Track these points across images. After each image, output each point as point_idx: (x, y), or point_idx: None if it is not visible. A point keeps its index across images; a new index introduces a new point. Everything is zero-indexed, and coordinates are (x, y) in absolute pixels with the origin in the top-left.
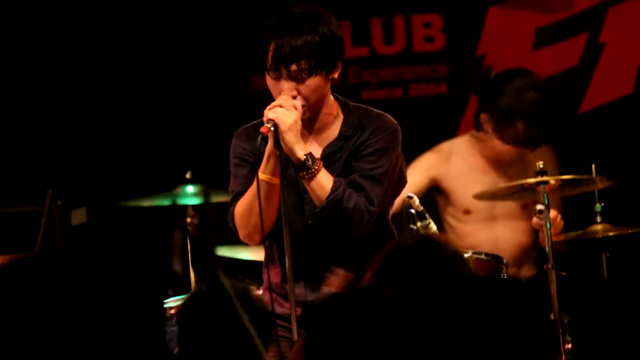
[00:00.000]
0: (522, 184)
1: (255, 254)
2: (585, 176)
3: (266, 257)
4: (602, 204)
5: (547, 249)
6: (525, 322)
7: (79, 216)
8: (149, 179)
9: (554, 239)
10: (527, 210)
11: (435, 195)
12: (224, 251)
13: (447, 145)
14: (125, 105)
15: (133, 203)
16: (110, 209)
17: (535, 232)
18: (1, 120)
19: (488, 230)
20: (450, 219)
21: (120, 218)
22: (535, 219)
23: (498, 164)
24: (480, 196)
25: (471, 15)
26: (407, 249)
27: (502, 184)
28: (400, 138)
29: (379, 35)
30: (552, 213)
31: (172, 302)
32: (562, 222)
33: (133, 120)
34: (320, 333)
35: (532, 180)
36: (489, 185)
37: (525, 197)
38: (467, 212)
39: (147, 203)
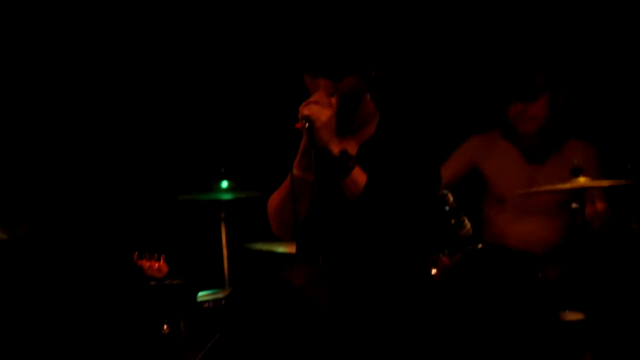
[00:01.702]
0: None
1: (292, 248)
2: (623, 181)
3: (298, 252)
4: None
5: (577, 244)
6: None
7: None
8: (185, 174)
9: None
10: (561, 209)
11: (475, 186)
12: (261, 245)
13: (493, 133)
14: (162, 104)
15: (184, 197)
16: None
17: (566, 231)
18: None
19: (520, 223)
20: (486, 209)
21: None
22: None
23: (535, 157)
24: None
25: None
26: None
27: (539, 179)
28: (435, 137)
29: None
30: (601, 206)
31: (206, 296)
32: (609, 216)
33: (169, 118)
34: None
35: (568, 185)
36: (524, 178)
37: (561, 193)
38: (501, 201)
39: (186, 197)
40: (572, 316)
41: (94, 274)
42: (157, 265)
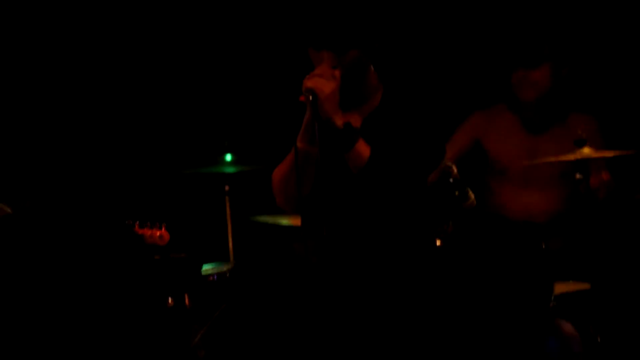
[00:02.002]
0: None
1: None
2: (628, 151)
3: (303, 225)
4: None
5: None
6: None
7: None
8: (189, 148)
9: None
10: (564, 179)
11: (476, 158)
12: (265, 218)
13: (496, 107)
14: (167, 78)
15: (188, 171)
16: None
17: (568, 201)
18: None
19: (522, 194)
20: (488, 180)
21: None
22: (593, 179)
23: (536, 128)
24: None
25: None
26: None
27: (541, 150)
28: (439, 109)
29: None
30: (606, 175)
31: (210, 269)
32: (612, 184)
33: (174, 92)
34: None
35: (572, 157)
36: (526, 149)
37: (563, 164)
38: (502, 172)
39: (190, 170)
40: (576, 286)
41: (98, 249)
42: (158, 233)
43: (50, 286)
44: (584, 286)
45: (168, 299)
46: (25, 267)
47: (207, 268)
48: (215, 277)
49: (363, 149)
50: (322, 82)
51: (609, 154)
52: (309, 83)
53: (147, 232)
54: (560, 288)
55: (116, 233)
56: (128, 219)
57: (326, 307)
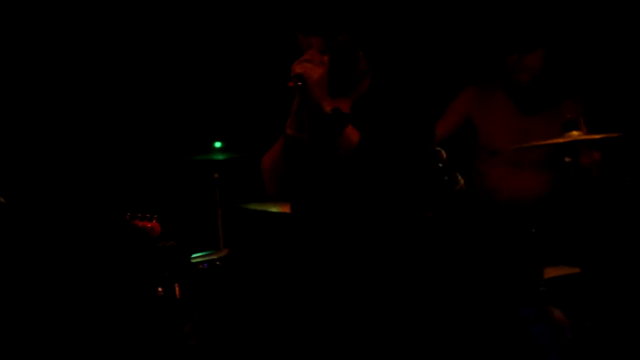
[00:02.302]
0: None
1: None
2: (615, 134)
3: (293, 211)
4: None
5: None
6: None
7: None
8: (178, 135)
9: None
10: (554, 162)
11: (468, 143)
12: (255, 206)
13: (491, 84)
14: (155, 66)
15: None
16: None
17: (558, 184)
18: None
19: (513, 177)
20: (478, 164)
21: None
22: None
23: (528, 110)
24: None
25: None
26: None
27: (533, 131)
28: (429, 93)
29: None
30: (597, 155)
31: (199, 257)
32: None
33: (162, 80)
34: None
35: (562, 140)
36: (517, 130)
37: (553, 146)
38: (494, 153)
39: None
40: (566, 270)
41: (92, 236)
42: (149, 225)
43: (44, 277)
44: (574, 270)
45: (158, 288)
46: (19, 257)
47: (197, 256)
48: (206, 265)
49: (352, 134)
50: (311, 68)
51: (597, 136)
52: (297, 69)
53: (139, 224)
54: (550, 272)
55: (113, 223)
56: (120, 210)
57: (317, 294)
